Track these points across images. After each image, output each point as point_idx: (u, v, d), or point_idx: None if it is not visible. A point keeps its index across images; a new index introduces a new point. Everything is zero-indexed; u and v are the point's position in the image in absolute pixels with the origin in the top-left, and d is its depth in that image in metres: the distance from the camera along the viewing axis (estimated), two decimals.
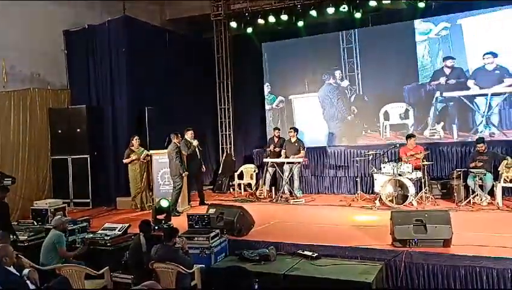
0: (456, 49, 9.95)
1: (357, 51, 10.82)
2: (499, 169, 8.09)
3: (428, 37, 10.20)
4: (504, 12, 9.60)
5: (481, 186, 8.09)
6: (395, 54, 10.41)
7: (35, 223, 7.33)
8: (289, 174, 9.59)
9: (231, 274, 3.25)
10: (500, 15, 9.66)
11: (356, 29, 10.75)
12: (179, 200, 8.71)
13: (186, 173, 8.66)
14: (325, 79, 11.19)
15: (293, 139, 9.73)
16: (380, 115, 10.54)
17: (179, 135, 8.87)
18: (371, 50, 10.70)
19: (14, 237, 6.19)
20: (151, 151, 9.31)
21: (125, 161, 9.18)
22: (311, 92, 11.34)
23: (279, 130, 10.48)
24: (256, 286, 3.12)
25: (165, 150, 9.09)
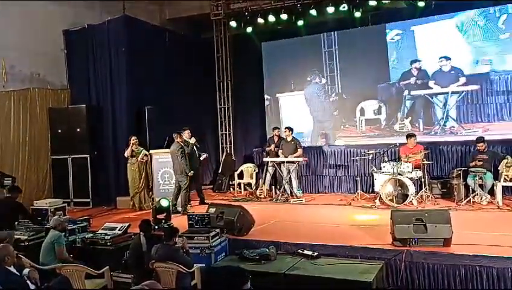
0: (419, 53, 10.64)
1: (336, 53, 11.39)
2: (499, 168, 8.08)
3: (395, 41, 10.86)
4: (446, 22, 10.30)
5: (481, 186, 8.09)
6: (371, 56, 11.03)
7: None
8: (288, 173, 9.59)
9: (226, 273, 3.26)
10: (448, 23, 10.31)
11: (336, 32, 11.32)
12: (179, 200, 8.72)
13: (192, 172, 8.65)
14: (311, 79, 11.62)
15: (289, 138, 9.73)
16: (356, 110, 11.19)
17: (182, 134, 8.87)
18: (348, 52, 11.28)
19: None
20: (152, 151, 9.32)
21: (126, 153, 9.17)
22: (299, 90, 11.82)
23: (279, 129, 10.47)
24: (249, 285, 3.12)
25: (165, 150, 9.13)
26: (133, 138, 9.21)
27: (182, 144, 8.71)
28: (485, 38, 10.00)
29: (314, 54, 11.47)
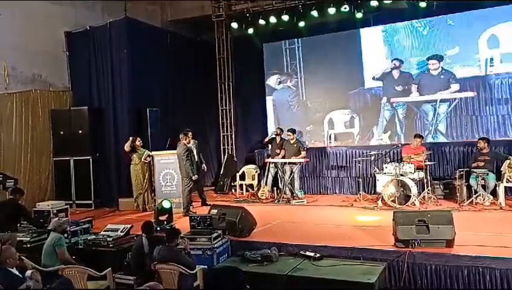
0: (401, 53, 9.65)
1: (300, 56, 10.77)
2: (501, 169, 8.05)
3: (373, 40, 10.01)
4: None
5: (484, 186, 8.06)
6: (341, 61, 10.26)
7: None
8: (290, 174, 9.59)
9: (221, 274, 3.27)
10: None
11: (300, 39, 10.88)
12: (181, 201, 8.74)
13: (196, 176, 8.65)
14: (282, 81, 11.41)
15: (292, 141, 9.73)
16: (324, 123, 10.39)
17: (189, 135, 8.84)
18: (314, 56, 10.69)
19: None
20: (153, 153, 9.32)
21: (126, 147, 9.12)
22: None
23: (281, 130, 10.45)
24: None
25: (167, 151, 9.13)
26: (138, 139, 9.22)
27: (188, 145, 8.70)
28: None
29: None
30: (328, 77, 10.39)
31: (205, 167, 9.81)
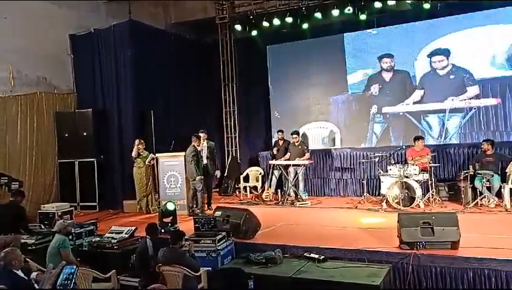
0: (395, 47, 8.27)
1: (269, 63, 10.02)
2: (506, 170, 8.02)
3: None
4: None
5: (489, 188, 8.03)
6: (322, 65, 9.37)
7: (43, 227, 7.36)
8: (294, 176, 9.58)
9: (227, 275, 3.27)
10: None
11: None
12: (186, 203, 8.77)
13: (201, 177, 8.66)
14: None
15: (297, 143, 9.72)
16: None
17: (201, 137, 8.86)
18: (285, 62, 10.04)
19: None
20: (158, 155, 9.33)
21: (133, 153, 9.20)
22: None
23: (282, 132, 10.44)
24: (251, 284, 3.12)
25: (172, 154, 9.17)
26: (141, 141, 9.25)
27: (198, 147, 8.73)
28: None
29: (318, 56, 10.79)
30: (302, 84, 9.56)
31: (218, 173, 9.76)
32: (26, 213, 7.26)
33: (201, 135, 9.17)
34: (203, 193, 8.74)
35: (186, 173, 8.83)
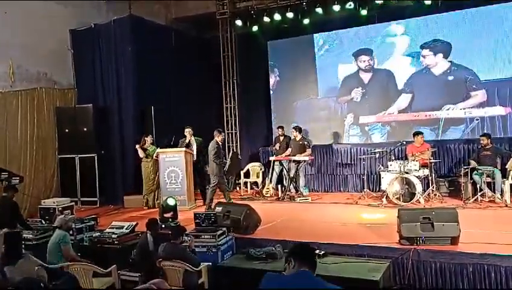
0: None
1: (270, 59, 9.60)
2: (506, 166, 8.02)
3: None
4: None
5: (489, 184, 8.01)
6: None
7: (43, 222, 7.38)
8: (295, 172, 9.58)
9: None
10: None
11: None
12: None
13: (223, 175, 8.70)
14: None
15: (298, 138, 9.72)
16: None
17: (222, 133, 8.83)
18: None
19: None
20: (158, 150, 9.34)
21: (142, 155, 9.28)
22: None
23: (282, 128, 10.44)
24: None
25: (172, 149, 9.16)
26: (149, 135, 9.32)
27: (221, 143, 8.71)
28: None
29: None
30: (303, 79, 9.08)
31: (208, 169, 9.73)
32: (19, 208, 7.17)
33: (187, 130, 9.16)
34: (214, 189, 8.64)
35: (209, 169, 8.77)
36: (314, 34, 9.75)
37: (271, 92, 11.87)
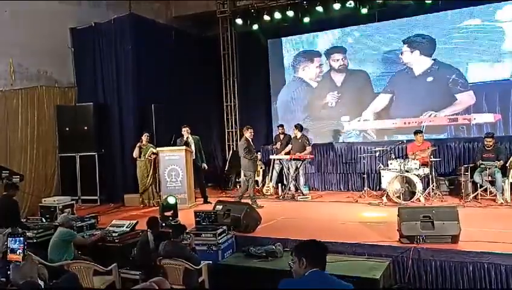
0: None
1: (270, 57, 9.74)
2: (507, 165, 8.02)
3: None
4: None
5: (491, 182, 8.01)
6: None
7: (44, 220, 7.39)
8: (295, 171, 9.58)
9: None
10: None
11: None
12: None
13: (205, 166, 8.95)
14: None
15: (298, 136, 9.73)
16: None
17: (250, 129, 8.82)
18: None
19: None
20: (158, 149, 9.34)
21: (134, 154, 9.29)
22: None
23: (283, 126, 10.44)
24: None
25: (172, 148, 9.16)
26: (145, 134, 9.30)
27: (250, 139, 8.72)
28: None
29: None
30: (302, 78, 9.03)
31: (205, 166, 9.68)
32: (19, 207, 7.18)
33: (185, 129, 9.20)
34: (253, 184, 8.71)
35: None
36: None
37: (271, 90, 11.85)
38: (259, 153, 9.92)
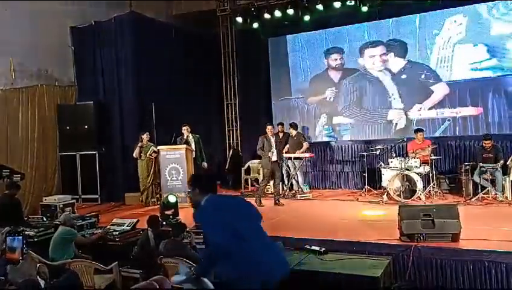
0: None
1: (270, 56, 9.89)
2: (507, 163, 8.02)
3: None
4: None
5: (493, 181, 8.00)
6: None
7: (45, 219, 7.40)
8: (295, 169, 9.58)
9: None
10: None
11: None
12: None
13: (205, 164, 9.09)
14: None
15: (293, 134, 9.72)
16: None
17: (268, 126, 8.88)
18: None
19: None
20: (159, 147, 9.34)
21: (135, 154, 9.30)
22: None
23: (282, 125, 10.42)
24: None
25: (173, 146, 9.16)
26: (146, 133, 9.31)
27: (267, 136, 8.77)
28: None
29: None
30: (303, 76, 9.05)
31: (205, 165, 9.64)
32: (21, 207, 7.22)
33: (185, 127, 9.22)
34: (266, 183, 8.90)
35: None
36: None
37: (271, 88, 11.84)
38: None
